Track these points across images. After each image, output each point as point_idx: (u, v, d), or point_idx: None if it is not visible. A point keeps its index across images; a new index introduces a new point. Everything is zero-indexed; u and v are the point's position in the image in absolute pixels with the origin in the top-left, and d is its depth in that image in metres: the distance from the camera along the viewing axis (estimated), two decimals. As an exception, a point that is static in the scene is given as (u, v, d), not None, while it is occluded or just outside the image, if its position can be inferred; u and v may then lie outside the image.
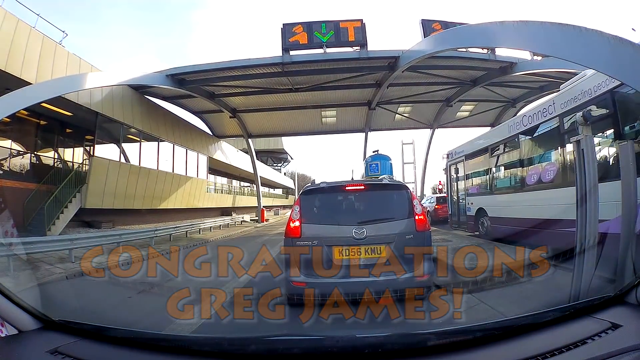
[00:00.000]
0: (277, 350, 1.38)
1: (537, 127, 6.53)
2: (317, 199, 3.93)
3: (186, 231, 12.03)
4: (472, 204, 9.23)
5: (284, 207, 46.82)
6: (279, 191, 51.69)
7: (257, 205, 22.82)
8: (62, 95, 10.52)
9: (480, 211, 8.64)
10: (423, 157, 21.94)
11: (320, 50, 11.62)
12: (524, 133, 7.01)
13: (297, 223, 3.65)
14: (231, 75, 13.03)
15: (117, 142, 13.96)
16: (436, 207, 14.61)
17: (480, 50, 13.53)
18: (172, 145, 16.90)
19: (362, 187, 3.94)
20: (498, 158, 8.28)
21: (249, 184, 34.96)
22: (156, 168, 15.56)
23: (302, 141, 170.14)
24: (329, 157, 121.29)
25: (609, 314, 1.37)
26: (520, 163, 7.15)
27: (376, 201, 3.87)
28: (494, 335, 1.34)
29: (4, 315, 1.34)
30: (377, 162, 15.81)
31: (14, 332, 1.35)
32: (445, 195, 14.04)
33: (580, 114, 3.14)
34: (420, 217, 3.64)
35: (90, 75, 11.66)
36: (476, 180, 9.45)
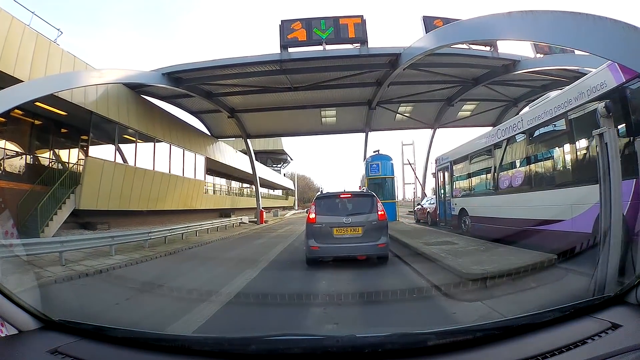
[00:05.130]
0: (277, 350, 1.38)
1: (509, 139, 7.50)
2: (324, 201, 6.50)
3: (182, 233, 11.70)
4: (455, 204, 10.23)
5: (284, 208, 46.50)
6: (278, 192, 51.34)
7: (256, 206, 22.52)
8: (56, 94, 10.29)
9: (462, 211, 9.62)
10: (424, 158, 21.83)
11: (320, 48, 11.27)
12: (497, 145, 8.06)
13: (313, 215, 6.24)
14: (228, 74, 12.74)
15: (112, 142, 13.67)
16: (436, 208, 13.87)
17: (483, 48, 13.30)
18: (168, 145, 16.59)
19: (350, 195, 6.60)
20: (476, 165, 9.44)
21: (248, 185, 34.68)
22: (152, 169, 15.25)
23: (302, 142, 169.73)
24: (328, 158, 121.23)
25: (609, 314, 1.37)
26: (494, 170, 8.13)
27: (357, 203, 6.43)
28: (494, 335, 1.34)
29: (4, 315, 1.34)
30: (377, 162, 15.51)
31: (14, 332, 1.35)
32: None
33: (602, 104, 2.88)
34: (380, 212, 6.18)
35: (84, 74, 11.42)
36: (459, 184, 10.49)
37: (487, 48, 13.36)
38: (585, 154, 5.31)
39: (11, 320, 1.35)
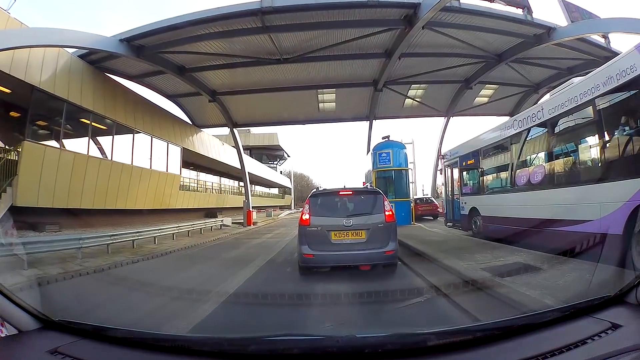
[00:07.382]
0: (277, 350, 1.35)
1: (532, 129, 6.69)
2: (321, 199, 5.67)
3: (132, 240, 8.99)
4: (465, 203, 9.45)
5: (281, 207, 43.70)
6: (274, 191, 48.71)
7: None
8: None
9: (473, 210, 8.89)
10: (431, 154, 20.12)
11: (314, -7, 8.66)
12: (514, 137, 7.27)
13: (307, 216, 5.39)
14: (199, 35, 10.06)
15: (59, 124, 11.15)
16: (417, 206, 16.51)
17: (515, 11, 10.90)
18: (131, 131, 13.90)
19: (351, 192, 5.76)
20: (491, 160, 8.61)
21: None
22: (110, 158, 12.67)
23: (299, 138, 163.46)
24: (328, 155, 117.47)
25: (609, 314, 1.34)
26: (510, 166, 7.40)
27: (359, 201, 5.60)
28: (494, 335, 1.31)
29: (4, 315, 1.33)
30: (388, 150, 12.89)
31: (14, 332, 1.34)
32: (424, 196, 18.69)
33: None
34: (388, 213, 5.33)
35: (11, 32, 8.93)
36: (470, 181, 9.72)
37: (520, 11, 10.99)
38: None
39: (11, 320, 1.34)
